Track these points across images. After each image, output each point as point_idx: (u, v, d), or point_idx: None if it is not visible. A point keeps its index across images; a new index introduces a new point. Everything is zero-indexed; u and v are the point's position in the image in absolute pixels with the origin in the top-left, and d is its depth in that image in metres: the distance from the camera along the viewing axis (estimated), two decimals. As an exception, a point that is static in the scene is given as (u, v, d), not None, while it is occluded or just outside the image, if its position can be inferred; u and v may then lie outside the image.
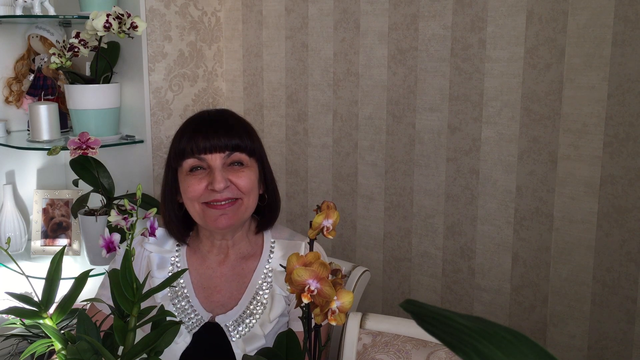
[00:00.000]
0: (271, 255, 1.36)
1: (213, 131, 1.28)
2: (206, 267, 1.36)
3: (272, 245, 1.37)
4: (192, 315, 1.31)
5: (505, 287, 1.65)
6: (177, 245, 1.37)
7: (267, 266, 1.35)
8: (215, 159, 1.27)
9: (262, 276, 1.34)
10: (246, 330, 1.29)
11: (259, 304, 1.31)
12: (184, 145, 1.28)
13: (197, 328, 1.30)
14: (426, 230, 1.78)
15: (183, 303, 1.32)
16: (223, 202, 1.27)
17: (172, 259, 1.36)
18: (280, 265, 1.33)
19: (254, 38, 2.11)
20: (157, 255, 1.36)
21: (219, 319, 1.30)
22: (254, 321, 1.30)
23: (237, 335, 1.29)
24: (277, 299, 1.31)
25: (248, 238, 1.38)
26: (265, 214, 1.38)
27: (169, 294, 1.33)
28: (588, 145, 1.47)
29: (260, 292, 1.32)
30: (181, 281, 1.33)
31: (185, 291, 1.33)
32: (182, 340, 1.28)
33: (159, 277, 1.33)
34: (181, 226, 1.36)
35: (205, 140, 1.26)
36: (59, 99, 2.14)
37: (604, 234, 1.48)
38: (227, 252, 1.36)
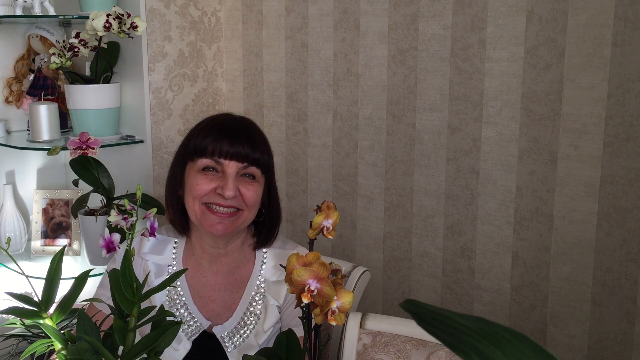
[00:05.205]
0: (263, 266, 1.36)
1: (239, 139, 1.28)
2: (201, 275, 1.36)
3: (265, 255, 1.37)
4: (192, 322, 1.31)
5: (505, 287, 1.65)
6: (174, 252, 1.37)
7: (259, 277, 1.35)
8: (232, 167, 1.27)
9: (255, 287, 1.34)
10: (241, 340, 1.30)
11: (252, 315, 1.32)
12: (206, 144, 1.27)
13: (196, 335, 1.30)
14: (426, 230, 1.78)
15: (182, 310, 1.32)
16: (224, 209, 1.27)
17: (170, 267, 1.36)
18: (280, 265, 1.33)
19: (254, 38, 2.11)
20: (155, 263, 1.35)
21: (215, 330, 1.31)
22: (248, 332, 1.31)
23: (232, 346, 1.30)
24: (270, 309, 1.32)
25: (242, 248, 1.38)
26: (264, 231, 1.37)
27: (167, 302, 1.33)
28: (588, 145, 1.47)
29: (254, 304, 1.33)
30: (179, 289, 1.33)
31: (184, 299, 1.33)
32: (182, 347, 1.28)
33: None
34: (182, 217, 1.36)
35: (230, 146, 1.26)
36: (59, 99, 2.14)
37: (604, 234, 1.48)
38: (220, 262, 1.36)
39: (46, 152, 1.76)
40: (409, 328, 1.21)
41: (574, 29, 1.46)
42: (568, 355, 1.56)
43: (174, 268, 1.36)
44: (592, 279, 1.51)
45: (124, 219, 0.92)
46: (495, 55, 1.58)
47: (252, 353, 1.28)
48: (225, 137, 1.27)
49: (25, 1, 1.88)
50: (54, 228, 2.09)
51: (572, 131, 1.49)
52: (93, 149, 1.64)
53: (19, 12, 1.88)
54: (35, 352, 0.90)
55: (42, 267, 1.97)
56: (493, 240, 1.65)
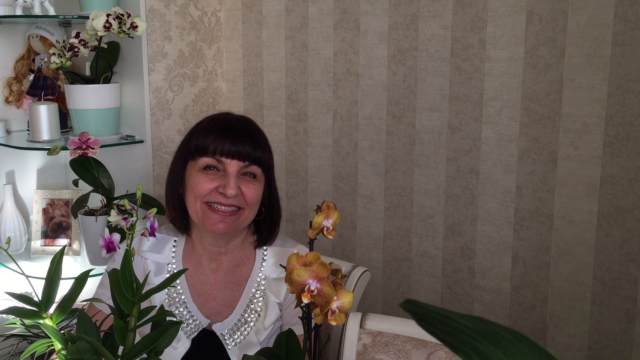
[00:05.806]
0: (263, 264, 1.36)
1: (241, 138, 1.28)
2: (201, 273, 1.36)
3: (265, 253, 1.38)
4: (191, 321, 1.31)
5: (505, 287, 1.65)
6: (174, 251, 1.37)
7: (259, 274, 1.35)
8: (234, 166, 1.27)
9: (256, 284, 1.34)
10: (241, 337, 1.30)
11: (253, 312, 1.32)
12: (208, 143, 1.28)
13: (195, 333, 1.30)
14: (426, 230, 1.78)
15: (181, 309, 1.32)
16: (225, 208, 1.27)
17: (169, 266, 1.36)
18: (280, 265, 1.33)
19: (254, 38, 2.11)
20: (154, 261, 1.36)
21: (215, 327, 1.31)
22: (248, 329, 1.31)
23: (233, 343, 1.30)
24: (270, 307, 1.32)
25: (242, 247, 1.38)
26: (264, 229, 1.37)
27: (166, 300, 1.33)
28: (588, 145, 1.47)
29: (254, 301, 1.33)
30: (178, 288, 1.34)
31: (183, 297, 1.33)
32: (182, 346, 1.28)
33: (156, 284, 1.34)
34: (183, 216, 1.36)
35: (232, 145, 1.27)
36: (59, 99, 2.14)
37: (604, 234, 1.48)
38: (220, 260, 1.36)
39: (46, 152, 1.76)
40: (409, 328, 1.21)
41: (574, 29, 1.46)
42: (568, 355, 1.56)
43: (174, 266, 1.36)
44: (592, 279, 1.51)
45: (124, 219, 0.92)
46: (495, 55, 1.58)
47: (252, 350, 1.28)
48: (227, 136, 1.28)
49: (25, 1, 1.88)
50: (54, 228, 2.09)
51: (572, 131, 1.49)
52: (93, 149, 1.64)
53: (19, 12, 1.88)
54: (35, 352, 0.90)
55: (42, 267, 1.97)
56: (493, 240, 1.65)
